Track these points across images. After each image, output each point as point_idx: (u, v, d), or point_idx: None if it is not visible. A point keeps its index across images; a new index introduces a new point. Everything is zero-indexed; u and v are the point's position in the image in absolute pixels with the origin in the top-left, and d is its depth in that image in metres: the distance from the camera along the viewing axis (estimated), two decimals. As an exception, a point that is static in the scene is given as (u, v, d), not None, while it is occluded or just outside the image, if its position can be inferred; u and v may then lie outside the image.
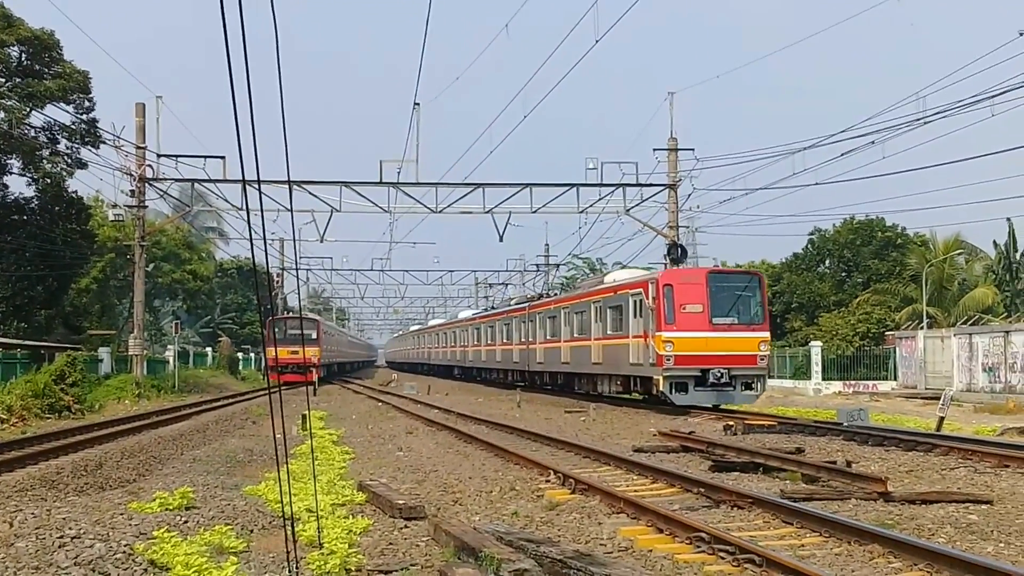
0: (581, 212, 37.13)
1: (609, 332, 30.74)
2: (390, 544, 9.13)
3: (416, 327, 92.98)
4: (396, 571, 7.97)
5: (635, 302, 28.12)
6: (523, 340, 43.36)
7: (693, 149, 35.59)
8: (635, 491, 12.24)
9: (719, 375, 25.67)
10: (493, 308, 57.93)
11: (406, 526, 10.03)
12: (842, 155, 28.06)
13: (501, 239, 38.12)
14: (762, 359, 26.54)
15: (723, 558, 8.26)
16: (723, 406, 26.61)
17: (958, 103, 23.41)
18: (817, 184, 30.75)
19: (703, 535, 8.84)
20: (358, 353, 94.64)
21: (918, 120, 24.52)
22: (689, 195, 36.41)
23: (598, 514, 10.74)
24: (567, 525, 10.18)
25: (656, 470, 13.72)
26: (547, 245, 67.72)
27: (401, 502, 10.73)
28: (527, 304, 44.10)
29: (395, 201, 36.26)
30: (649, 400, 28.79)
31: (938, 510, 10.89)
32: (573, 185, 36.10)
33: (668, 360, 25.65)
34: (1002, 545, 9.11)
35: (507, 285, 70.36)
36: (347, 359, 79.86)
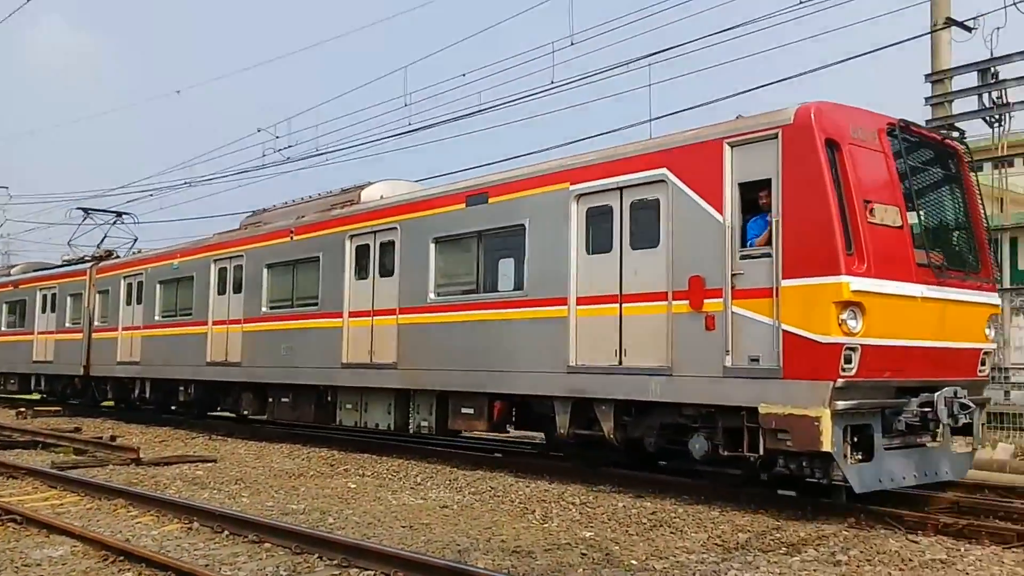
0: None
1: (508, 295, 12.45)
2: None
3: None
4: None
5: (651, 209, 10.14)
6: (70, 326, 23.49)
7: (7, 187, 41.39)
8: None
9: (929, 405, 8.81)
10: None
11: None
12: (127, 202, 30.76)
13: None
14: (985, 360, 9.98)
15: (-8, 519, 8.68)
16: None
17: (222, 173, 29.12)
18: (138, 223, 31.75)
19: (-23, 502, 9.29)
20: None
21: (185, 183, 28.59)
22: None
23: None
24: None
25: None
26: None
27: None
28: (89, 266, 23.54)
29: None
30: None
31: (175, 469, 12.67)
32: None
33: (850, 359, 8.37)
34: (215, 492, 10.69)
35: None
36: None
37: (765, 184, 9.02)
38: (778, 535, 8.05)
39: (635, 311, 10.06)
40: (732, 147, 9.32)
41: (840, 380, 8.30)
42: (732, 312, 9.11)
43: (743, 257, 9.15)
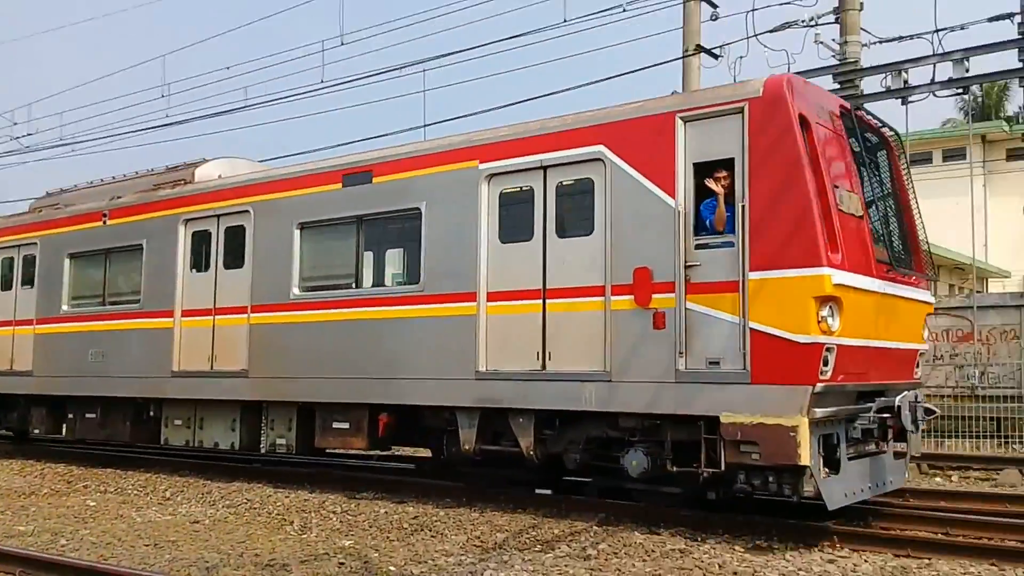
0: None
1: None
2: None
3: None
4: None
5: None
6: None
7: None
8: None
9: (888, 410, 7.99)
10: None
11: None
12: None
13: None
14: (919, 361, 9.25)
15: None
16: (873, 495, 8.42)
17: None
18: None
19: None
20: None
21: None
22: None
23: None
24: None
25: None
26: None
27: None
28: None
29: None
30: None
31: None
32: None
33: (827, 361, 7.33)
34: None
35: None
36: None
37: (727, 164, 7.97)
38: (534, 533, 8.10)
39: (563, 307, 8.72)
40: (686, 122, 8.22)
41: (819, 384, 7.36)
42: (686, 308, 7.99)
43: (699, 247, 8.06)
